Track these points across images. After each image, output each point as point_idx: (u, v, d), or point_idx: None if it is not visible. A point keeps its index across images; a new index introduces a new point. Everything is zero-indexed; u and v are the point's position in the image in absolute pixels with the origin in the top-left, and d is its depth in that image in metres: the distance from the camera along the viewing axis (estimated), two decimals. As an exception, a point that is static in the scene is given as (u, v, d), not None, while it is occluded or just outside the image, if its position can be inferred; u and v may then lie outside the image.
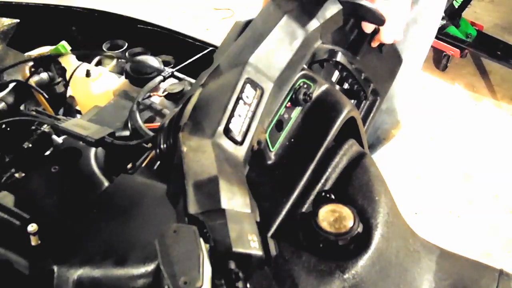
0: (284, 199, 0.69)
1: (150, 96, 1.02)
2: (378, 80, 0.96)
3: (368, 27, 0.86)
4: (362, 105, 0.97)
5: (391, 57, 1.00)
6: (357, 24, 0.87)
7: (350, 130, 0.82)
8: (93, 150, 0.81)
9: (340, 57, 0.84)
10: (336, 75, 0.94)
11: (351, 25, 0.88)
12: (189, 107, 0.62)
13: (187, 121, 0.60)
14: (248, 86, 0.63)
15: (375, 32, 0.88)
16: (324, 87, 0.81)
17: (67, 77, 1.12)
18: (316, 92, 0.80)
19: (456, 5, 2.58)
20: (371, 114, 0.97)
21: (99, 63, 1.22)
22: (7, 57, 1.17)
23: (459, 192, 2.12)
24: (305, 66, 0.79)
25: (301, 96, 0.77)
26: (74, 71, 1.05)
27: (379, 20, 0.80)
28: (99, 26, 1.46)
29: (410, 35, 1.21)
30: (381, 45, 0.93)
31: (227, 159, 0.58)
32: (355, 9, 0.80)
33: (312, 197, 0.71)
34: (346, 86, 0.95)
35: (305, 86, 0.78)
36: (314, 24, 0.73)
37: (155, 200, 0.69)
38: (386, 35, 0.87)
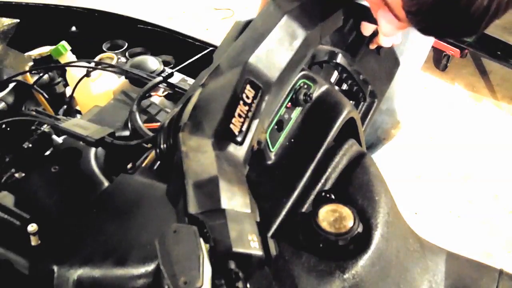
0: (284, 199, 0.69)
1: (150, 96, 1.02)
2: (376, 82, 0.96)
3: (366, 30, 0.86)
4: (360, 106, 0.98)
5: (388, 59, 1.00)
6: (356, 26, 0.87)
7: (349, 130, 0.82)
8: (93, 150, 0.81)
9: (340, 59, 0.85)
10: (335, 76, 0.94)
11: (350, 27, 0.88)
12: (189, 107, 0.62)
13: (187, 121, 0.60)
14: (248, 86, 0.63)
15: (374, 34, 0.88)
16: (324, 87, 0.81)
17: (67, 78, 1.12)
18: (316, 92, 0.80)
19: (456, 5, 2.57)
20: (369, 116, 0.98)
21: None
22: (7, 57, 1.17)
23: (459, 192, 2.12)
24: (305, 67, 0.80)
25: (301, 97, 0.77)
26: (79, 81, 1.04)
27: (378, 20, 0.81)
28: (99, 26, 1.46)
29: (410, 35, 1.21)
30: (379, 47, 0.93)
31: (227, 159, 0.58)
32: (356, 10, 0.80)
33: (312, 197, 0.71)
34: (344, 87, 0.96)
35: (305, 86, 0.78)
36: (314, 24, 0.73)
37: (155, 200, 0.69)
38: (384, 39, 0.88)
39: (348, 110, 0.80)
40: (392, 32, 0.70)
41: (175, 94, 1.05)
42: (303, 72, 0.78)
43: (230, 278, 0.45)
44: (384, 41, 0.88)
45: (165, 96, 1.06)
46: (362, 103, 0.97)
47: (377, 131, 1.43)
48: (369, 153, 1.48)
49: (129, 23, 1.44)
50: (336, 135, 0.78)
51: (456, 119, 2.48)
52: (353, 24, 0.88)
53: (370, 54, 0.93)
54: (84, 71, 1.07)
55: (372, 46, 0.92)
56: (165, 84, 1.02)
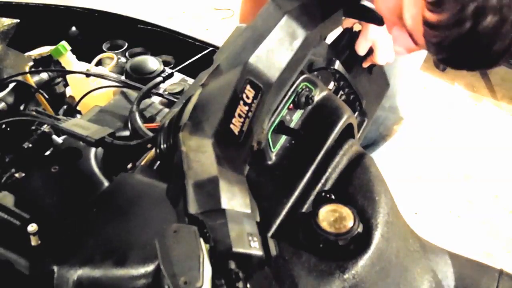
0: (284, 199, 0.70)
1: (150, 96, 1.02)
2: (366, 101, 0.97)
3: (361, 49, 0.87)
4: (355, 115, 0.98)
5: (379, 80, 1.01)
6: (350, 44, 0.88)
7: (347, 136, 0.82)
8: (93, 150, 0.81)
9: (338, 66, 0.86)
10: (331, 86, 0.95)
11: (344, 45, 0.89)
12: (189, 107, 0.62)
13: (187, 121, 0.60)
14: (248, 86, 0.63)
15: (368, 53, 0.90)
16: (325, 92, 0.82)
17: (67, 78, 1.12)
18: (317, 96, 0.81)
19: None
20: (358, 135, 0.98)
21: (99, 63, 1.22)
22: (7, 57, 1.17)
23: (459, 192, 2.12)
24: (306, 71, 0.80)
25: (303, 99, 0.77)
26: (85, 95, 1.04)
27: (378, 20, 0.81)
28: (99, 26, 1.46)
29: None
30: (371, 66, 0.94)
31: (227, 159, 0.58)
32: (355, 9, 0.80)
33: (312, 197, 0.71)
34: (341, 97, 0.96)
35: (307, 89, 0.79)
36: (314, 24, 0.73)
37: (155, 200, 0.69)
38: (380, 57, 0.89)
39: (347, 116, 0.81)
40: (403, 52, 0.69)
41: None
42: (305, 75, 0.79)
43: (230, 278, 0.45)
44: (379, 58, 0.89)
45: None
46: (357, 113, 0.97)
47: (379, 128, 1.44)
48: (371, 150, 1.49)
49: (129, 23, 1.44)
50: (336, 139, 0.78)
51: (456, 119, 2.49)
52: (347, 42, 0.89)
53: (362, 74, 0.95)
54: (84, 70, 1.07)
55: (366, 64, 0.93)
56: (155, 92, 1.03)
